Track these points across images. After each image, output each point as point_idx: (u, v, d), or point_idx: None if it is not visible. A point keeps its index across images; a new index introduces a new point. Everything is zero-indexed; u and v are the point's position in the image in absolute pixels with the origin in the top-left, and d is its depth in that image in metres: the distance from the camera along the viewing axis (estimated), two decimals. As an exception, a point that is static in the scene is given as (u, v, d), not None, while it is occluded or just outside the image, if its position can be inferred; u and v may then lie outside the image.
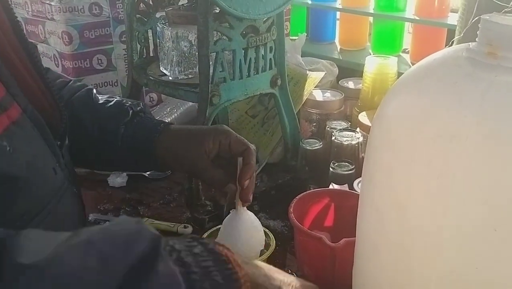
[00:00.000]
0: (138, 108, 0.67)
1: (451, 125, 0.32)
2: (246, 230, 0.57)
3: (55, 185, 0.49)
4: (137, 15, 0.85)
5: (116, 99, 0.68)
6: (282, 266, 0.70)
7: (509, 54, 0.32)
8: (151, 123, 0.66)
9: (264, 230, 0.61)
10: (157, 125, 0.65)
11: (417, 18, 1.15)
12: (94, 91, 0.68)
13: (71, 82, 0.70)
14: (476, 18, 0.37)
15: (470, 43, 0.36)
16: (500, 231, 0.32)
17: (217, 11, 0.71)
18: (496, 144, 0.31)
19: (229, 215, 0.59)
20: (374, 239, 0.41)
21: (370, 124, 0.84)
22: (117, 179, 0.89)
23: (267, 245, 0.61)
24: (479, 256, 0.33)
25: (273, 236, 0.62)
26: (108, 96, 0.69)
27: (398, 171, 0.36)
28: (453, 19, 1.06)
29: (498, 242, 0.32)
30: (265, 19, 0.75)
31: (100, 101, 0.67)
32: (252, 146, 0.61)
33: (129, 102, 0.68)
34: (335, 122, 0.90)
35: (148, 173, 0.91)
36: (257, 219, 0.60)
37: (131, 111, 0.65)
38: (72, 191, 0.53)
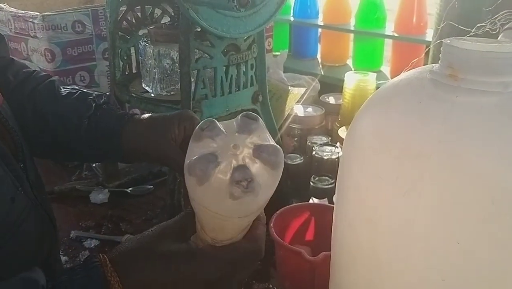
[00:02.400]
0: (101, 101, 0.65)
1: (415, 143, 0.34)
2: None
3: (11, 215, 0.47)
4: (120, 33, 0.87)
5: (79, 92, 0.66)
6: (264, 280, 0.70)
7: (468, 77, 0.34)
8: (114, 115, 0.64)
9: None
10: (121, 117, 0.63)
11: (396, 34, 1.18)
12: (57, 82, 0.67)
13: (35, 72, 0.68)
14: (438, 41, 0.38)
15: (433, 64, 0.37)
16: (463, 244, 0.33)
17: (199, 30, 0.72)
18: (456, 161, 0.32)
19: None
20: (347, 253, 0.42)
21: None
22: (99, 196, 0.89)
23: None
24: (445, 268, 0.35)
25: None
26: (71, 87, 0.67)
27: (368, 188, 0.37)
28: (431, 35, 1.10)
29: (462, 254, 0.34)
30: (245, 37, 0.77)
31: (63, 93, 0.65)
32: None
33: (93, 94, 0.66)
34: (316, 137, 0.92)
35: (130, 189, 0.91)
36: None
37: (94, 104, 0.64)
38: (37, 214, 0.52)
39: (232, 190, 0.36)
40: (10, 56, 0.69)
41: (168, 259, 0.42)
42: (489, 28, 0.44)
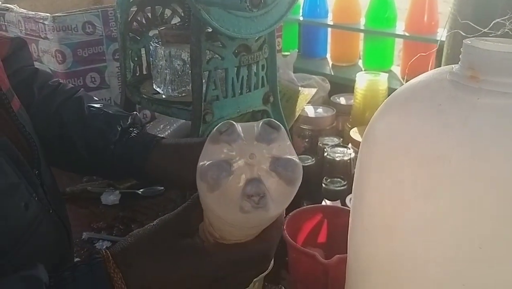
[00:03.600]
0: (127, 124, 0.65)
1: (436, 146, 0.33)
2: None
3: (25, 222, 0.47)
4: (130, 34, 0.87)
5: (104, 112, 0.65)
6: (276, 282, 0.70)
7: (490, 78, 0.33)
8: (140, 142, 0.63)
9: None
10: (147, 144, 0.63)
11: (407, 34, 1.17)
12: (83, 99, 0.66)
13: (60, 86, 0.68)
14: (451, 40, 0.38)
15: (453, 65, 0.37)
16: (485, 249, 0.32)
17: (210, 31, 0.72)
18: (478, 164, 0.32)
19: None
20: (364, 257, 0.42)
21: (361, 140, 0.85)
22: (110, 197, 0.89)
23: None
24: (466, 273, 0.34)
25: None
26: (98, 107, 0.66)
27: (386, 191, 0.36)
28: (442, 34, 1.09)
29: (483, 259, 0.33)
30: (257, 38, 0.76)
31: (89, 115, 0.65)
32: None
33: (119, 116, 0.65)
34: (327, 138, 0.91)
35: (141, 190, 0.91)
36: None
37: (119, 129, 0.64)
38: (51, 220, 0.52)
39: (242, 204, 0.35)
40: (35, 67, 0.69)
41: (172, 255, 0.41)
42: (508, 29, 0.43)
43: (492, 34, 0.38)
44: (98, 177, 0.92)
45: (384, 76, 0.97)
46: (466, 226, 0.33)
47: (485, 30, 0.39)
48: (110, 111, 0.66)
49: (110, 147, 0.63)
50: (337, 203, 0.76)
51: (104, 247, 0.78)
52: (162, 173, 0.61)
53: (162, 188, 0.93)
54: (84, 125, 0.64)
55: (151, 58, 0.83)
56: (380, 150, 0.37)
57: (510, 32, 0.40)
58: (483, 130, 0.33)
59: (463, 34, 0.50)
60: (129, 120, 0.66)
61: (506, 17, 0.38)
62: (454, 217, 0.33)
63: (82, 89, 0.70)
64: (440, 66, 0.47)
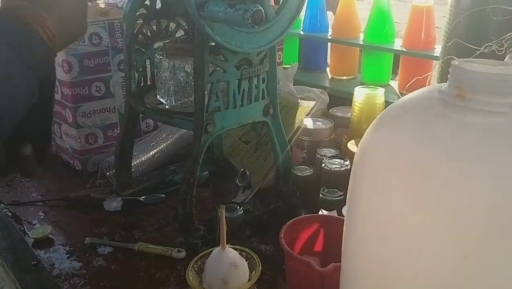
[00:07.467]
0: None
1: (424, 160, 0.36)
2: (226, 270, 0.59)
3: None
4: (136, 46, 0.89)
5: None
6: (273, 290, 0.72)
7: (475, 97, 0.36)
8: None
9: (251, 254, 0.62)
10: None
11: (405, 49, 1.20)
12: None
13: None
14: (447, 57, 0.40)
15: (442, 84, 0.39)
16: (470, 258, 0.35)
17: (213, 45, 0.75)
18: (464, 179, 0.34)
19: (211, 254, 0.61)
20: (357, 266, 0.44)
21: (358, 152, 0.87)
22: (113, 204, 0.91)
23: (254, 268, 0.62)
24: (453, 282, 0.36)
25: (259, 260, 0.62)
26: None
27: (377, 202, 0.39)
28: (439, 50, 1.11)
29: (469, 268, 0.35)
30: (258, 52, 0.79)
31: None
32: None
33: None
34: (325, 149, 0.94)
35: (143, 197, 0.93)
36: (238, 255, 0.61)
37: None
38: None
39: None
40: None
41: None
42: (496, 48, 0.46)
43: (478, 53, 0.41)
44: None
45: (381, 91, 1.00)
46: (452, 236, 0.35)
47: (478, 53, 0.41)
48: None
49: None
50: (334, 213, 0.78)
51: (106, 252, 0.80)
52: None
53: (164, 195, 0.95)
54: None
55: (155, 70, 0.86)
56: (372, 163, 0.40)
57: (497, 52, 0.43)
58: (469, 146, 0.35)
59: (455, 56, 0.53)
60: None
61: (494, 41, 0.41)
62: (441, 228, 0.35)
63: None
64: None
